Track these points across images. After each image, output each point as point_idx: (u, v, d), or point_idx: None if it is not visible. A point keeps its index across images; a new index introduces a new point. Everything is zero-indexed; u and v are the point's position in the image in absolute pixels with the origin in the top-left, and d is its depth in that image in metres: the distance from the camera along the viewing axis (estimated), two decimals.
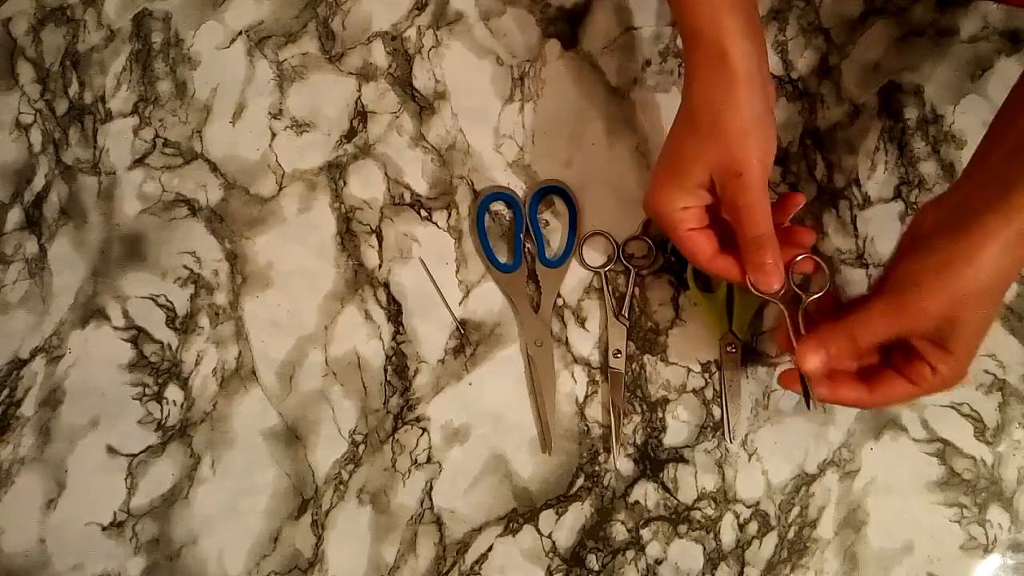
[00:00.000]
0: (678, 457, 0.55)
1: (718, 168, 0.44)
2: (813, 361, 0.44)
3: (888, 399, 0.45)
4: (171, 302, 0.58)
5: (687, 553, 0.53)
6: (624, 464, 0.55)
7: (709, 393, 0.56)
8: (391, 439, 0.55)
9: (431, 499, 0.55)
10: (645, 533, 0.53)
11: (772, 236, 0.45)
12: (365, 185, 0.60)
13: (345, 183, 0.60)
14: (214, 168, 0.61)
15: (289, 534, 0.54)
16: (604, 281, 0.57)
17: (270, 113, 0.61)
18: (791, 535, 0.53)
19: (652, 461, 0.55)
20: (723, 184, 0.44)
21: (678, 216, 0.47)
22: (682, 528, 0.53)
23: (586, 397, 0.56)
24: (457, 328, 0.57)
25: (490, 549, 0.54)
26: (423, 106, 0.61)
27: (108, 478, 0.55)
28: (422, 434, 0.56)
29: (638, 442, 0.55)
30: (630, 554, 0.53)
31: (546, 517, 0.54)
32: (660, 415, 0.55)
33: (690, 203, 0.47)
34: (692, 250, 0.48)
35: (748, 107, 0.43)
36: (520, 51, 0.62)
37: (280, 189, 0.60)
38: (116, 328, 0.58)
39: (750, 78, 0.43)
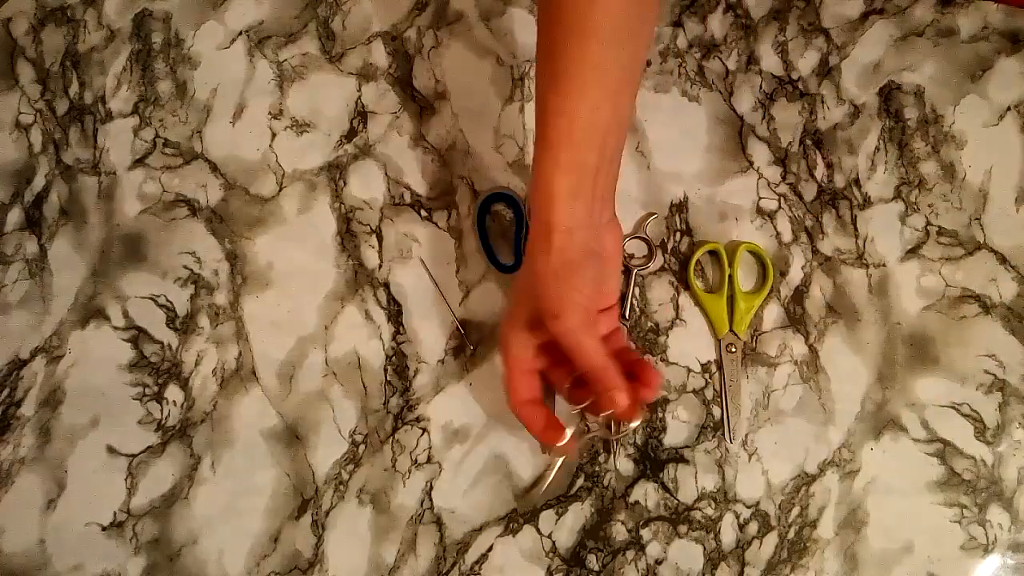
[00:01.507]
0: (678, 457, 0.55)
1: (539, 311, 0.46)
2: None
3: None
4: (171, 302, 0.58)
5: (687, 553, 0.53)
6: (624, 464, 0.55)
7: (709, 393, 0.56)
8: (391, 439, 0.55)
9: (431, 499, 0.55)
10: (645, 533, 0.53)
11: (605, 366, 0.46)
12: (365, 185, 0.60)
13: (345, 183, 0.60)
14: (214, 168, 0.61)
15: (289, 534, 0.54)
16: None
17: (270, 113, 0.61)
18: (791, 535, 0.53)
19: (652, 461, 0.55)
20: (546, 325, 0.46)
21: (511, 355, 0.49)
22: (682, 528, 0.53)
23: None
24: (457, 328, 0.57)
25: (490, 549, 0.54)
26: (423, 106, 0.61)
27: (108, 478, 0.55)
28: (422, 434, 0.56)
29: (638, 442, 0.55)
30: (630, 554, 0.53)
31: (546, 517, 0.54)
32: (660, 415, 0.55)
33: (523, 340, 0.49)
34: (507, 389, 0.49)
35: (560, 256, 0.45)
36: (520, 51, 0.62)
37: (280, 189, 0.60)
38: (116, 328, 0.58)
39: (567, 232, 0.44)
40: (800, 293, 0.57)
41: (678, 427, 0.55)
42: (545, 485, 0.52)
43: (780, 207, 0.58)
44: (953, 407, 0.54)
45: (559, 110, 0.44)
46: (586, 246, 0.45)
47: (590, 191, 0.45)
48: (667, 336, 0.56)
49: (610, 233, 0.48)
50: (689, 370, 0.56)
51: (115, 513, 0.55)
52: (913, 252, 0.57)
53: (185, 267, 0.59)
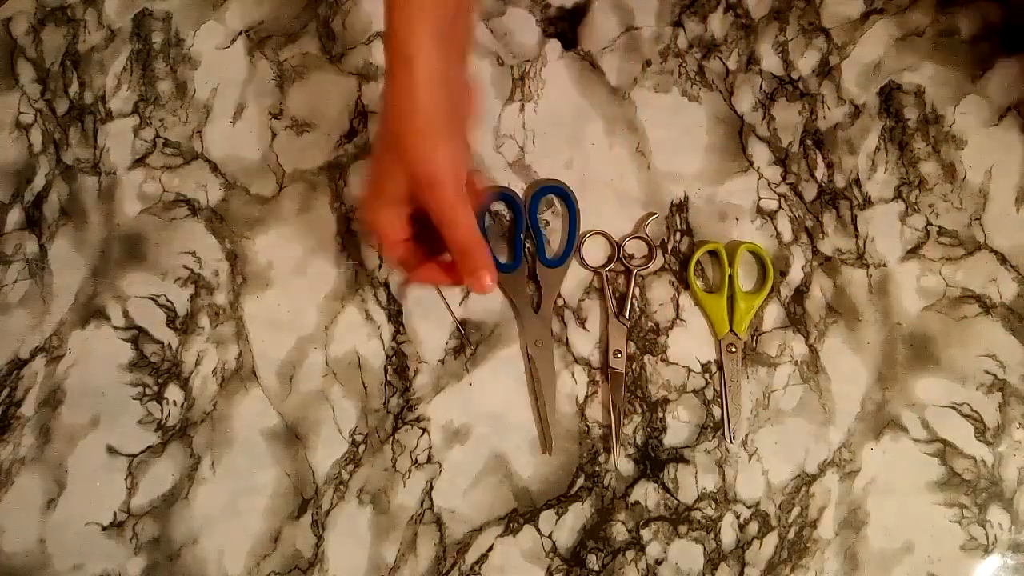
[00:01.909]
0: (678, 457, 0.55)
1: (409, 180, 0.43)
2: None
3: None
4: (171, 302, 0.58)
5: (687, 553, 0.53)
6: (624, 464, 0.55)
7: (709, 393, 0.56)
8: (391, 439, 0.55)
9: (431, 499, 0.55)
10: (645, 533, 0.53)
11: (477, 242, 0.45)
12: (365, 185, 0.60)
13: (345, 183, 0.60)
14: (214, 168, 0.61)
15: (289, 534, 0.54)
16: (604, 281, 0.57)
17: (270, 113, 0.61)
18: (791, 535, 0.53)
19: (652, 461, 0.55)
20: (417, 196, 0.43)
21: (383, 230, 0.47)
22: (682, 528, 0.53)
23: (586, 397, 0.56)
24: (457, 328, 0.57)
25: (490, 549, 0.54)
26: None
27: (108, 478, 0.55)
28: (422, 434, 0.56)
29: (638, 442, 0.55)
30: (630, 554, 0.53)
31: (546, 517, 0.54)
32: (660, 415, 0.55)
33: (392, 216, 0.46)
34: (395, 262, 0.47)
35: (428, 114, 0.41)
36: (520, 51, 0.62)
37: (280, 189, 0.60)
38: (116, 328, 0.58)
39: (430, 83, 0.41)
40: (800, 293, 0.57)
41: (678, 427, 0.55)
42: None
43: (780, 207, 0.58)
44: (953, 407, 0.54)
45: None
46: (451, 104, 0.42)
47: (450, 41, 0.42)
48: (667, 336, 0.56)
49: (468, 94, 0.45)
50: (689, 370, 0.56)
51: (115, 513, 0.55)
52: (913, 252, 0.57)
53: (185, 267, 0.59)
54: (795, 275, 0.57)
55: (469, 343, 0.57)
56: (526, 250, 0.58)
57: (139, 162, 0.61)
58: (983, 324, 0.56)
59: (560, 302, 0.57)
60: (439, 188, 0.42)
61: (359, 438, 0.56)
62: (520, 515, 0.54)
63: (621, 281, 0.57)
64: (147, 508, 0.55)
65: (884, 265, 0.57)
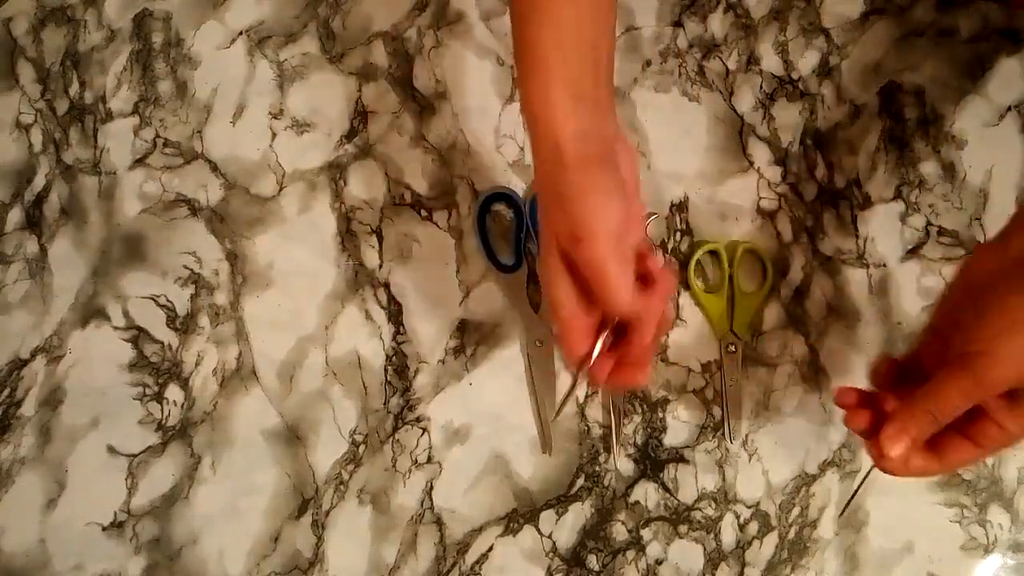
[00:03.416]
0: (678, 457, 0.55)
1: (562, 239, 0.40)
2: (897, 449, 0.40)
3: (956, 465, 0.42)
4: (171, 302, 0.58)
5: (687, 553, 0.53)
6: (624, 464, 0.55)
7: (709, 393, 0.56)
8: (391, 439, 0.55)
9: (431, 499, 0.55)
10: (645, 533, 0.53)
11: (630, 310, 0.40)
12: (365, 185, 0.60)
13: (345, 183, 0.60)
14: (214, 168, 0.61)
15: (289, 534, 0.54)
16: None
17: (270, 113, 0.61)
18: (791, 535, 0.53)
19: (652, 461, 0.55)
20: (573, 253, 0.39)
21: (547, 277, 0.42)
22: (682, 528, 0.53)
23: (586, 397, 0.56)
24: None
25: (490, 549, 0.54)
26: (423, 106, 0.61)
27: (108, 478, 0.55)
28: (422, 434, 0.56)
29: (638, 442, 0.55)
30: (630, 554, 0.53)
31: (546, 517, 0.54)
32: (660, 415, 0.55)
33: (559, 278, 0.41)
34: (555, 302, 0.42)
35: (575, 163, 0.39)
36: None
37: (280, 189, 0.60)
38: (116, 328, 0.58)
39: (574, 138, 0.39)
40: (800, 293, 0.57)
41: (678, 427, 0.55)
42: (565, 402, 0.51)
43: (780, 207, 0.58)
44: None
45: (542, 24, 0.40)
46: (602, 156, 0.40)
47: (592, 97, 0.40)
48: (667, 336, 0.56)
49: (623, 151, 0.42)
50: (689, 370, 0.56)
51: (115, 513, 0.55)
52: (913, 252, 0.57)
53: (185, 267, 0.59)
54: (795, 275, 0.57)
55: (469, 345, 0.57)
56: (526, 250, 0.58)
57: (139, 162, 0.61)
58: None
59: None
60: (589, 239, 0.38)
61: (359, 438, 0.56)
62: (520, 515, 0.54)
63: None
64: (147, 508, 0.55)
65: (884, 265, 0.57)
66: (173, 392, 0.57)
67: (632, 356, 0.42)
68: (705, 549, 0.53)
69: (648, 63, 0.61)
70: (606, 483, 0.54)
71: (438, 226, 0.59)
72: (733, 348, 0.55)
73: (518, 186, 0.59)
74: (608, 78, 0.43)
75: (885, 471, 0.42)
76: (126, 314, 0.58)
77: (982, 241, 0.57)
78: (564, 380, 0.56)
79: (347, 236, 0.59)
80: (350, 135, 0.61)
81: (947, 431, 0.41)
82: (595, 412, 0.55)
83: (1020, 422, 0.39)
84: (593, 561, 0.53)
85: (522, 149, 0.60)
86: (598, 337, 0.41)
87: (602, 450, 0.55)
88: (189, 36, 0.63)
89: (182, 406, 0.57)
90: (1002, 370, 0.37)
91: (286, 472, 0.55)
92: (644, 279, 0.41)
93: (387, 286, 0.58)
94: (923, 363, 0.43)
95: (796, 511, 0.53)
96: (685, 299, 0.57)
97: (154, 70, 0.63)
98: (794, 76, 0.60)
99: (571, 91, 0.40)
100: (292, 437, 0.56)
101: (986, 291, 0.39)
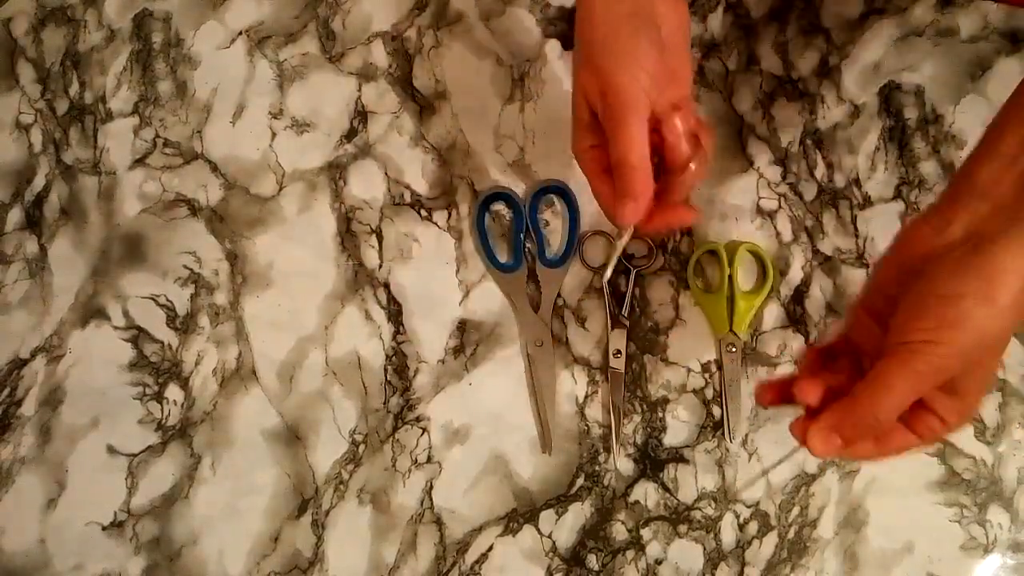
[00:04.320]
0: (678, 457, 0.55)
1: (589, 92, 0.41)
2: (824, 448, 0.38)
3: (895, 452, 0.40)
4: (171, 302, 0.58)
5: (687, 553, 0.53)
6: (624, 464, 0.55)
7: (709, 393, 0.56)
8: (391, 439, 0.55)
9: (431, 499, 0.55)
10: (645, 533, 0.53)
11: (639, 168, 0.40)
12: (365, 185, 0.60)
13: (345, 183, 0.60)
14: (214, 168, 0.61)
15: (289, 534, 0.54)
16: (604, 281, 0.57)
17: (270, 113, 0.61)
18: (791, 535, 0.53)
19: (652, 461, 0.55)
20: (596, 108, 0.40)
21: (584, 159, 0.44)
22: (682, 528, 0.53)
23: (586, 397, 0.56)
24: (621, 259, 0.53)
25: (490, 549, 0.54)
26: (423, 106, 0.61)
27: (108, 478, 0.55)
28: (422, 434, 0.56)
29: (638, 442, 0.55)
30: (630, 554, 0.53)
31: (546, 517, 0.54)
32: (660, 415, 0.55)
33: (590, 141, 0.43)
34: (597, 192, 0.44)
35: (603, 18, 0.39)
36: (520, 51, 0.62)
37: (280, 189, 0.60)
38: (116, 328, 0.58)
39: (604, 13, 0.40)
40: (800, 293, 0.57)
41: (678, 427, 0.55)
42: (612, 261, 0.49)
43: (780, 207, 0.58)
44: None
45: None
46: (633, 12, 0.39)
47: None
48: (667, 336, 0.56)
49: (669, 9, 0.41)
50: (689, 370, 0.56)
51: (115, 513, 0.55)
52: None
53: (185, 267, 0.59)
54: (795, 275, 0.57)
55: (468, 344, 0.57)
56: (526, 250, 0.58)
57: (139, 162, 0.61)
58: None
59: (560, 302, 0.57)
60: (610, 95, 0.38)
61: (359, 438, 0.56)
62: (520, 515, 0.54)
63: (621, 281, 0.57)
64: (147, 508, 0.55)
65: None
66: (173, 392, 0.57)
67: (673, 197, 0.42)
68: (705, 549, 0.53)
69: None
70: (606, 483, 0.54)
71: (438, 226, 0.59)
72: (733, 348, 0.55)
73: (518, 186, 0.59)
74: None
75: (829, 455, 0.40)
76: (126, 314, 0.58)
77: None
78: (564, 380, 0.56)
79: (347, 236, 0.59)
80: (350, 135, 0.61)
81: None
82: (595, 412, 0.55)
83: (961, 413, 0.38)
84: (593, 561, 0.53)
85: (522, 149, 0.60)
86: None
87: (602, 450, 0.55)
88: (189, 36, 0.63)
89: (182, 406, 0.57)
90: (947, 360, 0.35)
91: (286, 472, 0.55)
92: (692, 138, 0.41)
93: (387, 286, 0.58)
94: (855, 342, 0.41)
95: (796, 511, 0.53)
96: (685, 299, 0.57)
97: (154, 70, 0.63)
98: (794, 76, 0.60)
99: None
100: (292, 437, 0.56)
101: (927, 275, 0.36)
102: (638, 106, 0.39)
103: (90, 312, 0.58)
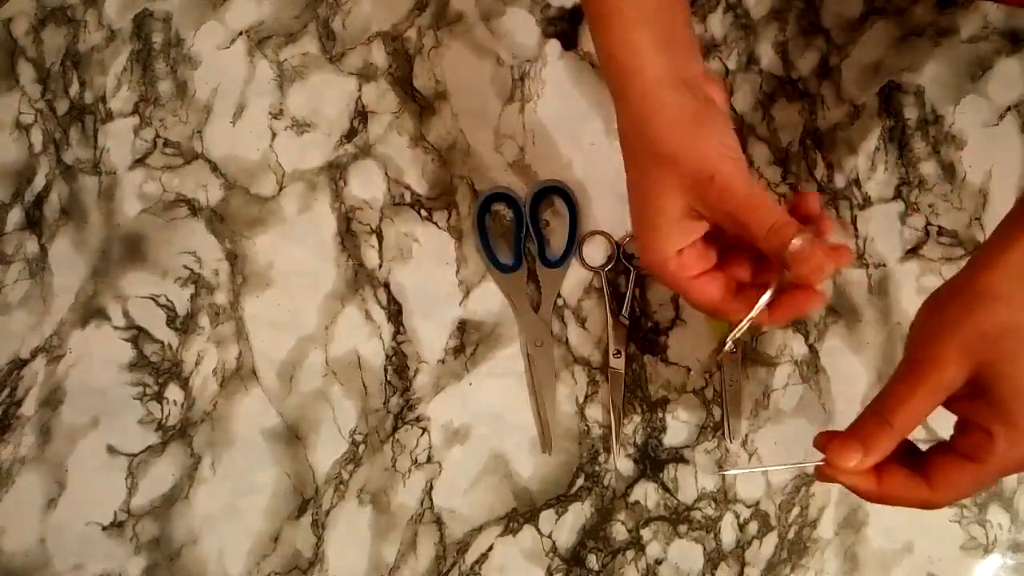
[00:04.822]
0: (678, 457, 0.55)
1: (686, 185, 0.37)
2: (849, 460, 0.36)
3: (952, 489, 0.36)
4: (171, 302, 0.58)
5: (687, 553, 0.53)
6: (624, 464, 0.55)
7: (709, 393, 0.56)
8: (391, 439, 0.56)
9: (431, 499, 0.55)
10: (645, 533, 0.53)
11: (791, 221, 0.37)
12: (365, 185, 0.60)
13: (345, 183, 0.60)
14: (214, 168, 0.61)
15: (289, 534, 0.54)
16: (604, 281, 0.57)
17: (270, 113, 0.61)
18: (791, 535, 0.53)
19: (652, 461, 0.55)
20: (702, 199, 0.37)
21: (672, 267, 0.39)
22: (682, 528, 0.53)
23: (586, 397, 0.56)
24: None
25: (490, 549, 0.54)
26: (423, 106, 0.61)
27: (108, 478, 0.55)
28: (422, 434, 0.56)
29: (638, 442, 0.55)
30: (630, 554, 0.53)
31: (546, 517, 0.54)
32: (660, 415, 0.55)
33: (681, 242, 0.39)
34: (701, 302, 0.40)
35: (678, 108, 0.37)
36: (520, 51, 0.62)
37: (280, 189, 0.60)
38: (116, 328, 0.58)
39: (669, 82, 0.37)
40: None
41: (678, 427, 0.55)
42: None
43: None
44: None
45: None
46: (701, 94, 0.38)
47: (675, 38, 0.38)
48: (667, 336, 0.56)
49: (715, 90, 0.39)
50: (689, 370, 0.56)
51: (115, 513, 0.55)
52: (913, 252, 0.57)
53: (185, 267, 0.59)
54: None
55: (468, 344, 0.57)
56: (526, 250, 0.58)
57: (139, 162, 0.61)
58: None
59: (560, 302, 0.57)
60: (723, 174, 0.35)
61: (359, 438, 0.56)
62: (520, 515, 0.54)
63: (621, 281, 0.57)
64: (147, 508, 0.55)
65: (884, 265, 0.57)
66: (173, 392, 0.57)
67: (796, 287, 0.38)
68: (705, 549, 0.53)
69: None
70: (606, 483, 0.54)
71: (438, 226, 0.59)
72: (733, 348, 0.55)
73: (518, 186, 0.59)
74: (686, 10, 0.40)
75: (870, 500, 0.38)
76: (126, 314, 0.58)
77: (981, 241, 0.57)
78: (564, 380, 0.56)
79: (347, 236, 0.59)
80: (350, 135, 0.61)
81: (934, 451, 0.37)
82: (595, 412, 0.56)
83: (1007, 421, 0.34)
84: (593, 561, 0.53)
85: (522, 149, 0.60)
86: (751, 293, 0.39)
87: (602, 450, 0.55)
88: (189, 36, 0.63)
89: (182, 406, 0.57)
90: (946, 353, 0.35)
91: (286, 472, 0.55)
92: None
93: (387, 286, 0.58)
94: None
95: (796, 511, 0.53)
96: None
97: (154, 70, 0.63)
98: (794, 76, 0.60)
99: (655, 32, 0.37)
100: (292, 437, 0.56)
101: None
102: (752, 177, 0.37)
103: (90, 312, 0.58)
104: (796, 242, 0.36)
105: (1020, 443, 0.34)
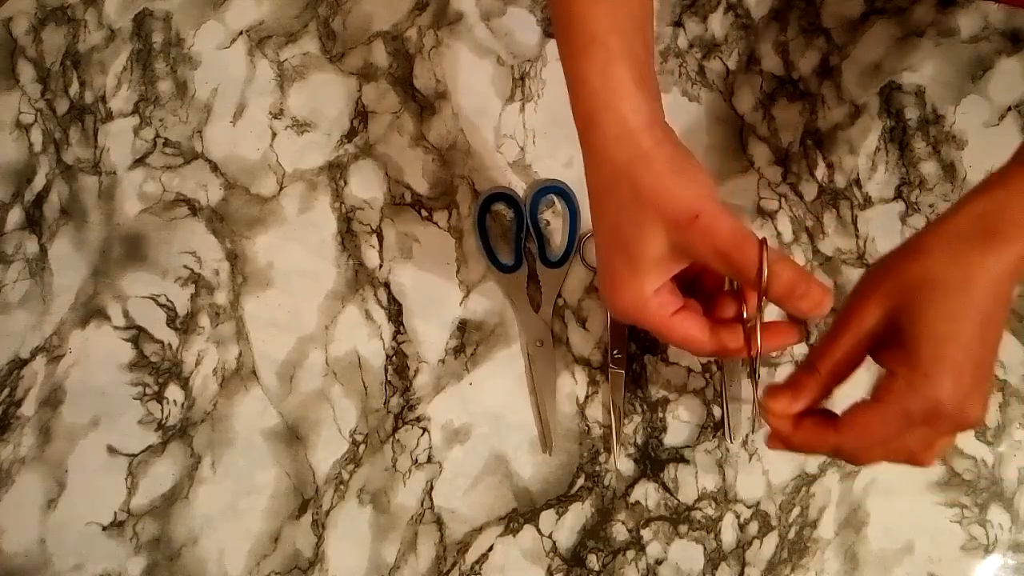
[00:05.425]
0: (678, 457, 0.55)
1: (670, 224, 0.36)
2: (777, 404, 0.38)
3: (859, 432, 0.37)
4: (171, 302, 0.58)
5: (687, 553, 0.53)
6: (624, 464, 0.55)
7: (709, 393, 0.56)
8: (391, 439, 0.55)
9: (431, 499, 0.55)
10: (645, 533, 0.53)
11: (783, 256, 0.37)
12: (366, 185, 0.60)
13: (346, 183, 0.60)
14: (215, 168, 0.61)
15: (289, 534, 0.54)
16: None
17: (271, 113, 0.61)
18: (792, 535, 0.53)
19: (652, 461, 0.55)
20: (686, 238, 0.36)
21: (652, 306, 0.39)
22: (682, 528, 0.53)
23: (586, 397, 0.56)
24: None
25: (490, 549, 0.54)
26: (424, 106, 0.61)
27: (108, 478, 0.55)
28: (422, 434, 0.56)
29: (638, 442, 0.55)
30: (630, 554, 0.53)
31: (546, 517, 0.54)
32: (660, 415, 0.55)
33: (659, 282, 0.39)
34: (684, 337, 0.40)
35: (658, 148, 0.37)
36: (520, 51, 0.62)
37: (280, 189, 0.60)
38: (116, 328, 0.58)
39: (648, 122, 0.37)
40: None
41: (678, 427, 0.55)
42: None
43: (780, 207, 0.58)
44: None
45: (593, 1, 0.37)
46: (673, 135, 0.38)
47: (651, 75, 0.38)
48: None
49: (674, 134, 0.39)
50: (689, 370, 0.56)
51: (115, 513, 0.55)
52: None
53: (185, 267, 0.59)
54: None
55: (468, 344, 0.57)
56: (527, 250, 0.58)
57: (139, 162, 0.61)
58: None
59: (560, 302, 0.57)
60: (707, 213, 0.35)
61: (359, 438, 0.56)
62: (520, 515, 0.54)
63: None
64: (147, 508, 0.55)
65: None
66: (173, 392, 0.57)
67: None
68: (705, 549, 0.53)
69: None
70: (606, 483, 0.54)
71: (438, 226, 0.59)
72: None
73: (518, 186, 0.59)
74: (653, 56, 0.40)
75: (782, 447, 0.39)
76: (126, 314, 0.58)
77: None
78: (564, 380, 0.56)
79: (347, 236, 0.59)
80: (350, 135, 0.61)
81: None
82: (595, 412, 0.55)
83: (914, 369, 0.34)
84: (593, 561, 0.53)
85: (522, 149, 0.60)
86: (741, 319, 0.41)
87: (602, 450, 0.55)
88: (189, 36, 0.63)
89: (182, 406, 0.57)
90: (867, 315, 0.36)
91: (286, 472, 0.55)
92: None
93: (387, 286, 0.58)
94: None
95: (796, 511, 0.53)
96: None
97: (154, 70, 0.63)
98: (794, 76, 0.60)
99: (633, 72, 0.37)
100: (292, 437, 0.56)
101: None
102: (732, 215, 0.37)
103: (90, 312, 0.58)
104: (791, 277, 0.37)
105: (920, 386, 0.34)
